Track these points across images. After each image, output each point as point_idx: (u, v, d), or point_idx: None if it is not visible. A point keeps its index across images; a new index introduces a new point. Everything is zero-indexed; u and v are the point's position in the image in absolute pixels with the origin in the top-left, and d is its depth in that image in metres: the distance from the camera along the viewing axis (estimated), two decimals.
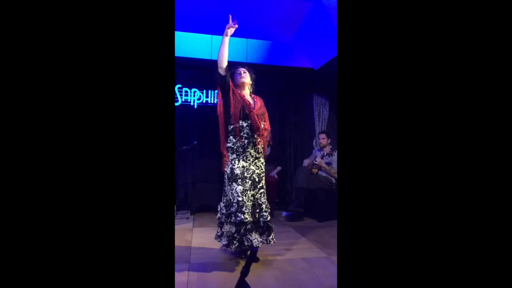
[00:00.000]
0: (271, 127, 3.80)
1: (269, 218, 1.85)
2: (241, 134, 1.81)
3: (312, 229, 2.81)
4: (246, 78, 1.89)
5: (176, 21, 3.37)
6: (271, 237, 1.86)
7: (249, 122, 1.82)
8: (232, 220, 1.74)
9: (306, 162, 3.48)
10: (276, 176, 3.62)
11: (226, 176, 1.83)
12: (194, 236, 2.47)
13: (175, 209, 3.32)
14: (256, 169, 1.84)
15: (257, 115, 1.82)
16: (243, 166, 1.79)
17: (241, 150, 1.81)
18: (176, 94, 3.77)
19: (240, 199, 1.74)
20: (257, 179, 1.83)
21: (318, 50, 3.69)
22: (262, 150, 1.89)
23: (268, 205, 1.88)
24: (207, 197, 3.40)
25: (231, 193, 1.77)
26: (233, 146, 1.82)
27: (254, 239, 1.74)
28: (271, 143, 2.02)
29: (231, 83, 1.83)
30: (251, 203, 1.78)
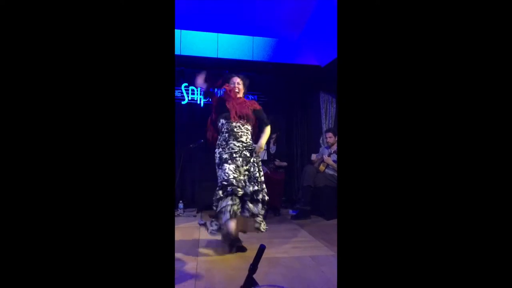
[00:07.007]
0: (276, 125, 3.81)
1: (262, 188, 2.01)
2: (222, 130, 2.06)
3: (320, 227, 2.80)
4: (241, 91, 2.16)
5: (181, 20, 3.38)
6: (259, 208, 1.98)
7: (228, 120, 2.04)
8: (227, 195, 1.91)
9: (314, 156, 3.47)
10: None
11: (216, 165, 2.03)
12: (202, 233, 2.48)
13: (182, 207, 3.34)
14: (245, 152, 2.02)
15: (239, 116, 2.04)
16: (230, 152, 1.98)
17: (224, 144, 2.01)
18: (183, 93, 3.79)
19: (231, 177, 1.92)
20: (248, 154, 2.02)
21: (324, 48, 3.67)
22: (249, 143, 2.05)
23: (262, 180, 2.03)
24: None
25: (224, 173, 1.94)
26: (218, 141, 2.07)
27: (253, 207, 1.94)
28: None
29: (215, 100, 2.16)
30: (245, 177, 1.99)
